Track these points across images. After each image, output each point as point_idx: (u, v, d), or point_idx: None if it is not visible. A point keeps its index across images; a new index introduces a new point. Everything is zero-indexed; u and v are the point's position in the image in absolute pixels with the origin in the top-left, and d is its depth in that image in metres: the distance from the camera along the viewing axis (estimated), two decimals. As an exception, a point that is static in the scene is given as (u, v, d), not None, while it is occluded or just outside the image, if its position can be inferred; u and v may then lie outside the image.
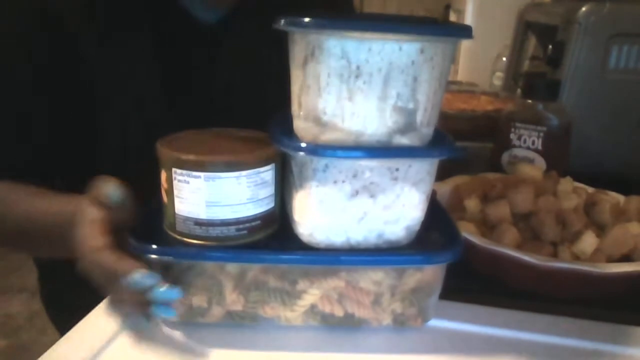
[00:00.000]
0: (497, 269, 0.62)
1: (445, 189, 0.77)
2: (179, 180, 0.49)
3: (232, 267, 0.52)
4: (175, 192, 0.49)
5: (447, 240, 0.53)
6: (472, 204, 0.70)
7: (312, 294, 0.52)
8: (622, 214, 0.69)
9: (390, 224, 0.51)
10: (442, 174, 0.66)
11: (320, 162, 0.47)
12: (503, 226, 0.65)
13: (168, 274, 0.52)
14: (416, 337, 0.55)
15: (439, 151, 0.50)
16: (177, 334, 0.53)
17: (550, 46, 1.04)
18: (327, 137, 0.47)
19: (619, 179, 0.80)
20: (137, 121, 0.71)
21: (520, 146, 0.90)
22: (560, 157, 0.89)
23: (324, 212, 0.49)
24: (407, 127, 0.47)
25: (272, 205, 0.52)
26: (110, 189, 0.50)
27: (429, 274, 0.53)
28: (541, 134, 0.87)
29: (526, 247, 0.63)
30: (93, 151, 0.71)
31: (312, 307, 0.53)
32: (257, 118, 0.55)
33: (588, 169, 0.83)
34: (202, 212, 0.49)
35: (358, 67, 0.44)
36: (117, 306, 0.49)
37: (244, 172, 0.49)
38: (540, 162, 0.88)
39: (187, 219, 0.50)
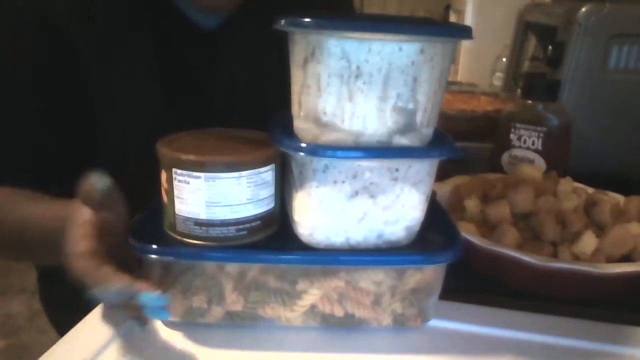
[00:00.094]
0: (497, 269, 0.62)
1: (445, 189, 0.77)
2: (179, 181, 0.49)
3: (232, 268, 0.52)
4: (176, 192, 0.49)
5: (447, 240, 0.53)
6: (472, 204, 0.70)
7: (312, 294, 0.52)
8: (622, 214, 0.69)
9: (390, 225, 0.51)
10: (442, 174, 0.66)
11: (320, 162, 0.47)
12: (503, 226, 0.65)
13: (168, 274, 0.52)
14: (416, 337, 0.55)
15: (438, 151, 0.50)
16: (176, 334, 0.53)
17: (550, 46, 1.04)
18: (327, 137, 0.47)
19: (619, 179, 0.80)
20: (136, 123, 0.71)
21: (520, 146, 0.90)
22: (560, 157, 0.89)
23: (324, 212, 0.49)
24: (407, 127, 0.47)
25: (272, 205, 0.52)
26: (95, 178, 0.49)
27: (429, 274, 0.53)
28: (541, 135, 0.87)
29: (526, 247, 0.63)
30: (93, 152, 0.71)
31: (312, 308, 0.53)
32: (257, 119, 0.55)
33: (588, 169, 0.83)
34: (202, 213, 0.49)
35: (358, 68, 0.44)
36: (109, 312, 0.49)
37: (244, 173, 0.49)
38: (540, 163, 0.88)
39: (187, 219, 0.50)
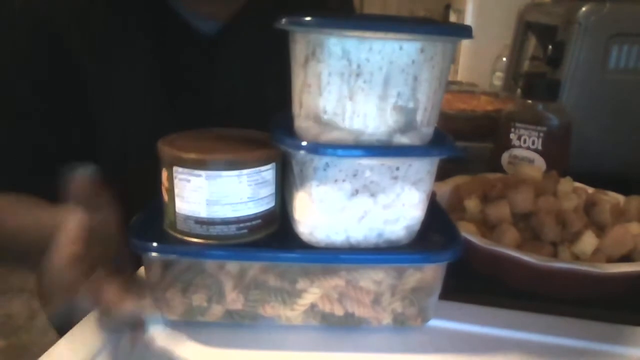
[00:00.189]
0: (497, 269, 0.62)
1: (445, 189, 0.77)
2: (180, 179, 0.49)
3: (232, 266, 0.52)
4: (176, 190, 0.49)
5: (447, 240, 0.53)
6: (472, 204, 0.70)
7: (312, 293, 0.52)
8: (622, 214, 0.69)
9: (390, 224, 0.51)
10: (442, 174, 0.66)
11: (320, 160, 0.47)
12: (503, 226, 0.65)
13: (168, 272, 0.52)
14: (416, 337, 0.55)
15: (439, 150, 0.50)
16: (176, 333, 0.53)
17: (550, 46, 1.04)
18: (328, 136, 0.47)
19: (619, 179, 0.80)
20: (136, 125, 0.71)
21: (520, 146, 0.90)
22: (560, 157, 0.89)
23: (324, 211, 0.49)
24: (408, 126, 0.47)
25: (272, 204, 0.52)
26: (79, 169, 0.49)
27: (429, 273, 0.53)
28: (541, 134, 0.87)
29: (526, 247, 0.63)
30: (93, 152, 0.71)
31: (312, 307, 0.53)
32: (256, 123, 0.55)
33: (588, 169, 0.83)
34: (202, 211, 0.49)
35: (359, 66, 0.44)
36: (104, 320, 0.48)
37: (244, 171, 0.49)
38: (540, 162, 0.88)
39: (187, 217, 0.50)
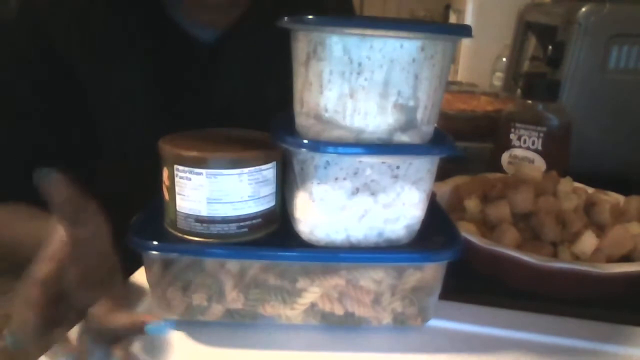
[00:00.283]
0: (497, 269, 0.62)
1: (445, 189, 0.77)
2: (181, 177, 0.49)
3: (232, 265, 0.52)
4: (177, 189, 0.49)
5: (447, 239, 0.53)
6: (472, 204, 0.70)
7: (313, 293, 0.52)
8: (622, 214, 0.69)
9: (390, 223, 0.51)
10: (442, 174, 0.66)
11: (321, 159, 0.47)
12: (503, 226, 0.65)
13: (168, 271, 0.52)
14: (416, 337, 0.55)
15: (439, 149, 0.50)
16: (176, 332, 0.53)
17: (550, 46, 1.04)
18: (329, 134, 0.47)
19: (619, 179, 0.80)
20: (135, 130, 0.71)
21: (520, 146, 0.90)
22: (560, 157, 0.89)
23: (325, 209, 0.49)
24: (408, 124, 0.47)
25: (273, 203, 0.52)
26: (46, 176, 0.48)
27: (429, 273, 0.53)
28: (541, 134, 0.87)
29: (526, 247, 0.63)
30: (93, 153, 0.71)
31: (312, 306, 0.53)
32: (257, 125, 0.55)
33: (588, 169, 0.83)
34: (203, 209, 0.49)
35: (359, 65, 0.44)
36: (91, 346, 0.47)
37: (245, 170, 0.49)
38: (540, 162, 0.88)
39: (188, 216, 0.50)
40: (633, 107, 1.00)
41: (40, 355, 0.49)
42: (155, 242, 0.49)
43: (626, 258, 0.63)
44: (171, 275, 0.52)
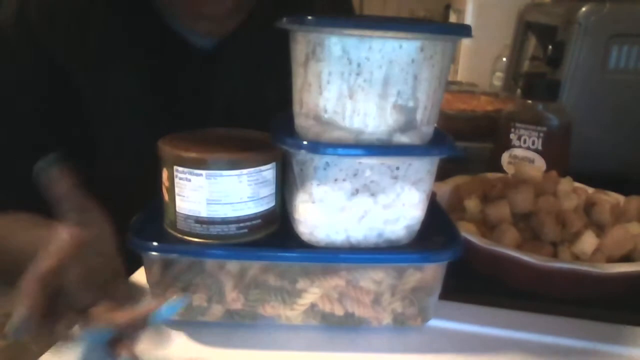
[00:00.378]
0: (497, 269, 0.62)
1: (445, 189, 0.77)
2: (180, 178, 0.49)
3: (232, 266, 0.52)
4: (177, 190, 0.49)
5: (447, 239, 0.53)
6: (472, 204, 0.70)
7: (312, 293, 0.52)
8: (622, 214, 0.69)
9: (390, 223, 0.51)
10: (442, 174, 0.66)
11: (321, 160, 0.47)
12: (503, 226, 0.65)
13: (168, 272, 0.52)
14: (416, 337, 0.55)
15: (439, 150, 0.50)
16: (176, 333, 0.53)
17: (550, 46, 1.04)
18: (328, 135, 0.47)
19: (619, 179, 0.80)
20: (133, 133, 0.71)
21: (520, 146, 0.90)
22: (560, 157, 0.89)
23: (325, 210, 0.49)
24: (408, 125, 0.47)
25: (272, 204, 0.52)
26: (46, 168, 0.47)
27: (429, 273, 0.53)
28: (541, 134, 0.87)
29: (526, 247, 0.63)
30: (93, 153, 0.71)
31: (312, 306, 0.53)
32: (257, 126, 0.55)
33: (588, 169, 0.83)
34: (203, 210, 0.49)
35: (359, 65, 0.44)
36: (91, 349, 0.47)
37: (245, 171, 0.49)
38: (540, 162, 0.88)
39: (188, 217, 0.50)
40: (633, 107, 1.00)
41: (40, 355, 0.49)
42: (155, 243, 0.50)
43: (626, 258, 0.63)
44: (171, 276, 0.52)
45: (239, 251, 0.50)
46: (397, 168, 0.48)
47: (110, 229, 0.50)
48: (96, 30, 0.68)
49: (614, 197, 0.74)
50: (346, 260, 0.51)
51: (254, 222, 0.51)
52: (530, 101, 0.89)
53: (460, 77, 1.94)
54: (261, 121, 0.54)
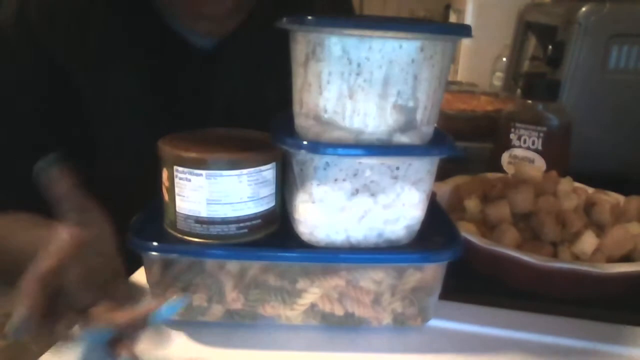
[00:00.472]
0: (497, 269, 0.62)
1: (445, 189, 0.77)
2: (180, 178, 0.49)
3: (232, 266, 0.52)
4: (177, 190, 0.49)
5: (447, 239, 0.53)
6: (472, 204, 0.70)
7: (312, 293, 0.52)
8: (622, 214, 0.69)
9: (390, 223, 0.51)
10: (442, 174, 0.66)
11: (321, 160, 0.47)
12: (503, 226, 0.65)
13: (168, 272, 0.52)
14: (416, 337, 0.55)
15: (438, 150, 0.50)
16: (176, 333, 0.53)
17: (550, 46, 1.04)
18: (328, 135, 0.47)
19: (619, 179, 0.80)
20: (133, 133, 0.71)
21: (520, 146, 0.90)
22: (560, 157, 0.89)
23: (325, 210, 0.49)
24: (408, 125, 0.47)
25: (272, 204, 0.52)
26: (47, 167, 0.47)
27: (429, 273, 0.53)
28: (541, 134, 0.87)
29: (526, 247, 0.63)
30: (93, 154, 0.71)
31: (312, 306, 0.53)
32: (257, 126, 0.55)
33: (588, 169, 0.83)
34: (203, 210, 0.49)
35: (359, 65, 0.44)
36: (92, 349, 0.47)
37: (245, 171, 0.49)
38: (540, 162, 0.88)
39: (188, 217, 0.50)
40: (633, 107, 1.00)
41: (40, 355, 0.49)
42: (155, 243, 0.50)
43: (626, 258, 0.63)
44: (171, 276, 0.52)
45: (239, 251, 0.50)
46: (397, 168, 0.48)
47: (110, 229, 0.50)
48: (96, 30, 0.68)
49: (614, 197, 0.74)
50: (346, 260, 0.51)
51: (254, 222, 0.51)
52: (530, 101, 0.89)
53: (460, 77, 1.94)
54: (261, 121, 0.54)
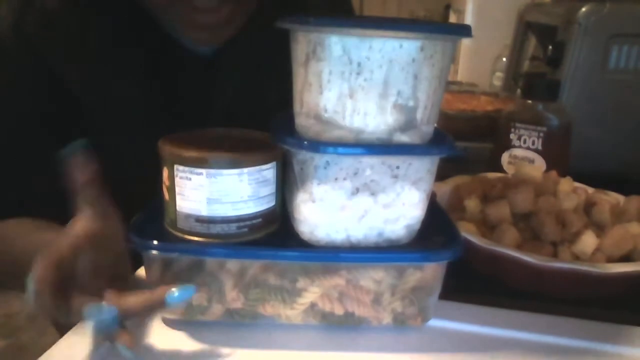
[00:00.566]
0: (497, 269, 0.62)
1: (445, 189, 0.77)
2: (181, 177, 0.49)
3: (232, 265, 0.52)
4: (177, 189, 0.49)
5: (447, 239, 0.53)
6: (472, 204, 0.70)
7: (312, 292, 0.52)
8: (622, 214, 0.69)
9: (390, 223, 0.51)
10: (442, 175, 0.66)
11: (321, 159, 0.48)
12: (503, 226, 0.65)
13: (168, 271, 0.52)
14: (416, 337, 0.55)
15: (438, 149, 0.50)
16: (177, 332, 0.53)
17: (550, 46, 1.04)
18: (329, 134, 0.47)
19: (619, 179, 0.80)
20: (134, 139, 0.71)
21: (520, 146, 0.90)
22: (560, 157, 0.89)
23: (325, 209, 0.49)
24: (408, 124, 0.47)
25: (273, 203, 0.52)
26: (71, 151, 0.48)
27: (429, 273, 0.53)
28: (541, 134, 0.87)
29: (526, 247, 0.63)
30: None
31: (312, 306, 0.53)
32: (257, 128, 0.55)
33: (588, 169, 0.83)
34: (203, 209, 0.49)
35: (359, 65, 0.44)
36: (96, 335, 0.48)
37: (245, 170, 0.49)
38: (540, 162, 0.88)
39: (188, 215, 0.50)
40: (633, 107, 1.00)
41: (40, 355, 0.49)
42: (155, 242, 0.50)
43: (626, 258, 0.63)
44: (171, 275, 0.52)
45: (239, 250, 0.50)
46: (397, 167, 0.49)
47: (121, 228, 0.50)
48: (95, 40, 0.68)
49: (614, 197, 0.74)
50: (346, 259, 0.51)
51: (254, 221, 0.51)
52: (530, 101, 0.90)
53: (460, 77, 1.94)
54: (261, 122, 0.54)
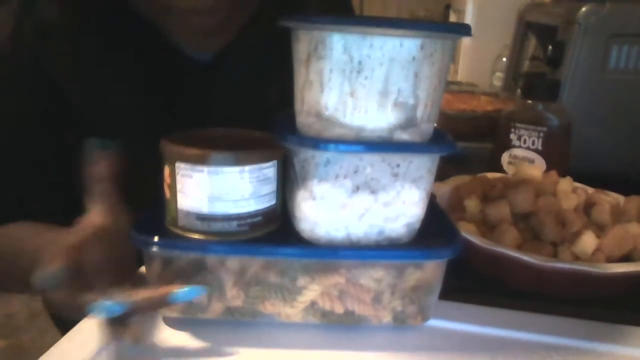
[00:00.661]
0: (497, 269, 0.62)
1: (445, 189, 0.77)
2: (182, 175, 0.49)
3: (232, 263, 0.52)
4: (178, 186, 0.49)
5: (447, 238, 0.53)
6: (472, 204, 0.70)
7: (313, 290, 0.52)
8: (622, 214, 0.69)
9: (390, 221, 0.51)
10: (442, 175, 0.66)
11: (322, 157, 0.48)
12: (503, 226, 0.65)
13: (168, 269, 0.52)
14: (416, 336, 0.55)
15: (439, 147, 0.50)
16: (176, 330, 0.53)
17: (550, 46, 1.04)
18: (329, 132, 0.47)
19: (619, 179, 0.80)
20: (134, 141, 0.71)
21: (520, 146, 0.90)
22: (560, 157, 0.89)
23: (325, 207, 0.49)
24: (408, 122, 0.47)
25: (273, 202, 0.52)
26: (98, 146, 0.49)
27: (429, 271, 0.53)
28: (541, 134, 0.88)
29: (526, 247, 0.63)
30: None
31: (312, 304, 0.53)
32: (258, 128, 0.55)
33: (588, 169, 0.83)
34: (204, 207, 0.49)
35: (360, 63, 0.44)
36: (105, 328, 0.48)
37: (246, 168, 0.49)
38: (540, 162, 0.88)
39: (189, 213, 0.50)
40: (633, 107, 1.00)
41: (39, 355, 0.49)
42: (156, 239, 0.49)
43: (626, 258, 0.63)
44: (171, 273, 0.52)
45: (239, 247, 0.50)
46: (398, 165, 0.49)
47: (128, 221, 0.51)
48: (93, 48, 0.68)
49: (614, 197, 0.74)
50: (346, 257, 0.51)
51: (255, 219, 0.51)
52: (530, 101, 0.90)
53: (460, 77, 1.94)
54: (262, 122, 0.54)
